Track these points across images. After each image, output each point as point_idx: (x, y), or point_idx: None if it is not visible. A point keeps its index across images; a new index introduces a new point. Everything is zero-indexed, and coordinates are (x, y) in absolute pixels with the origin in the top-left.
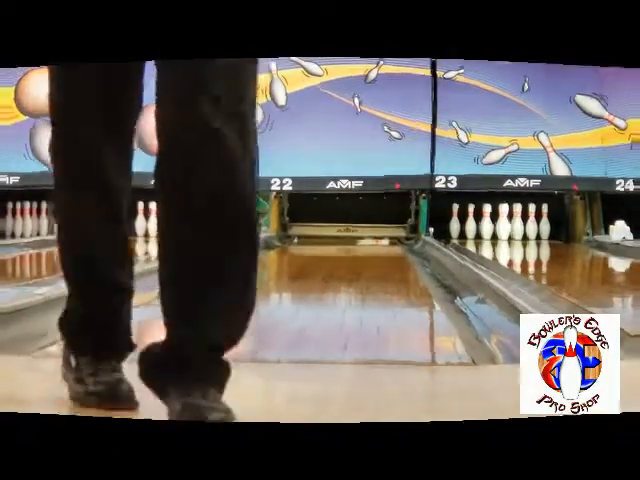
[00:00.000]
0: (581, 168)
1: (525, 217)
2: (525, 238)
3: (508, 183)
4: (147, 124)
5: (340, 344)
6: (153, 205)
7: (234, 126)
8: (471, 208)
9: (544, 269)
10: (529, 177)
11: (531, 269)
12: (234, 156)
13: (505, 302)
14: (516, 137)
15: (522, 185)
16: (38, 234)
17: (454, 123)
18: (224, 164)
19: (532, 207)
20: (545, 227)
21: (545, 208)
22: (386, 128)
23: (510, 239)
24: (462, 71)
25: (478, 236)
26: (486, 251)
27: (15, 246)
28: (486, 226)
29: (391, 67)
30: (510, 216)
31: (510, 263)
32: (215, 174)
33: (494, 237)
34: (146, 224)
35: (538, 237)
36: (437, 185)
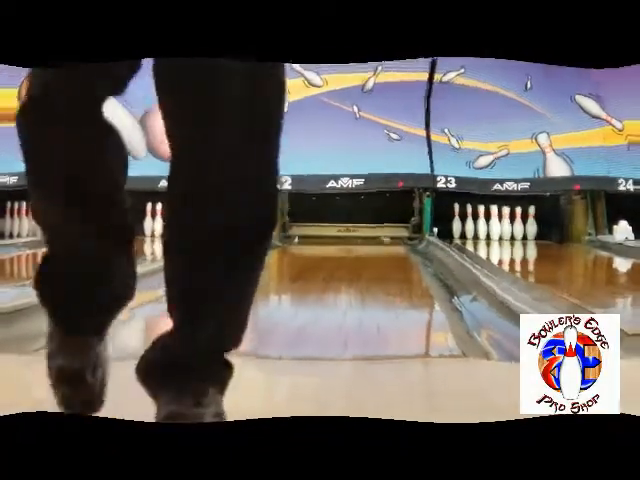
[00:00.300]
0: (583, 167)
1: (524, 218)
2: (525, 238)
3: (497, 186)
4: (155, 127)
5: (340, 341)
6: (159, 206)
7: (246, 131)
8: (480, 208)
9: (548, 270)
10: (525, 180)
11: (532, 269)
12: (246, 160)
13: (498, 301)
14: (510, 141)
15: (516, 188)
16: (34, 234)
17: (446, 130)
18: (233, 166)
19: (532, 209)
20: (539, 228)
21: (533, 210)
22: (385, 131)
23: (514, 240)
24: (462, 71)
25: (488, 236)
26: (493, 252)
27: (14, 246)
28: (494, 227)
29: (388, 74)
30: (513, 218)
31: (512, 264)
32: (222, 175)
33: (500, 238)
34: (153, 224)
35: (536, 238)
36: (439, 185)
